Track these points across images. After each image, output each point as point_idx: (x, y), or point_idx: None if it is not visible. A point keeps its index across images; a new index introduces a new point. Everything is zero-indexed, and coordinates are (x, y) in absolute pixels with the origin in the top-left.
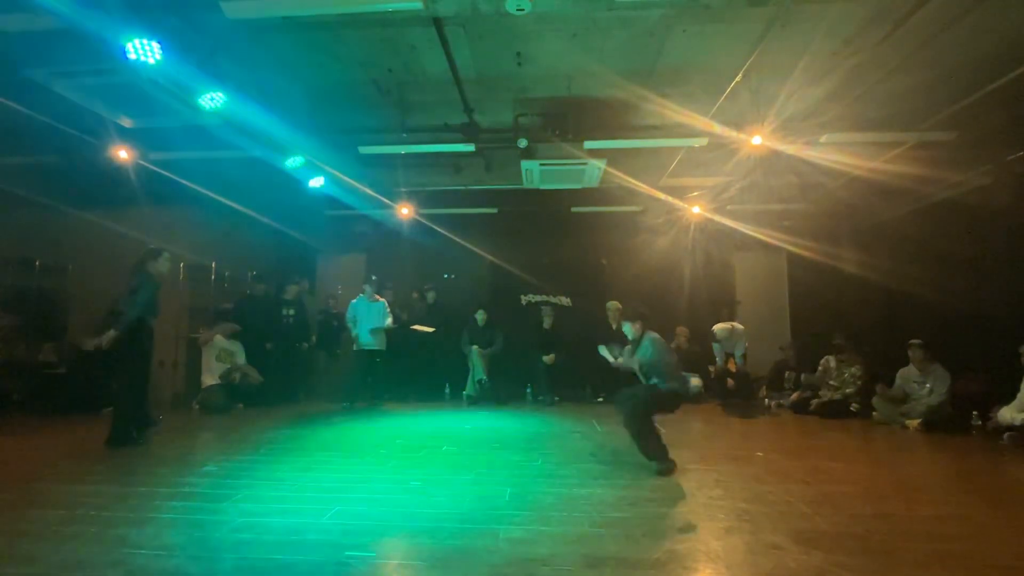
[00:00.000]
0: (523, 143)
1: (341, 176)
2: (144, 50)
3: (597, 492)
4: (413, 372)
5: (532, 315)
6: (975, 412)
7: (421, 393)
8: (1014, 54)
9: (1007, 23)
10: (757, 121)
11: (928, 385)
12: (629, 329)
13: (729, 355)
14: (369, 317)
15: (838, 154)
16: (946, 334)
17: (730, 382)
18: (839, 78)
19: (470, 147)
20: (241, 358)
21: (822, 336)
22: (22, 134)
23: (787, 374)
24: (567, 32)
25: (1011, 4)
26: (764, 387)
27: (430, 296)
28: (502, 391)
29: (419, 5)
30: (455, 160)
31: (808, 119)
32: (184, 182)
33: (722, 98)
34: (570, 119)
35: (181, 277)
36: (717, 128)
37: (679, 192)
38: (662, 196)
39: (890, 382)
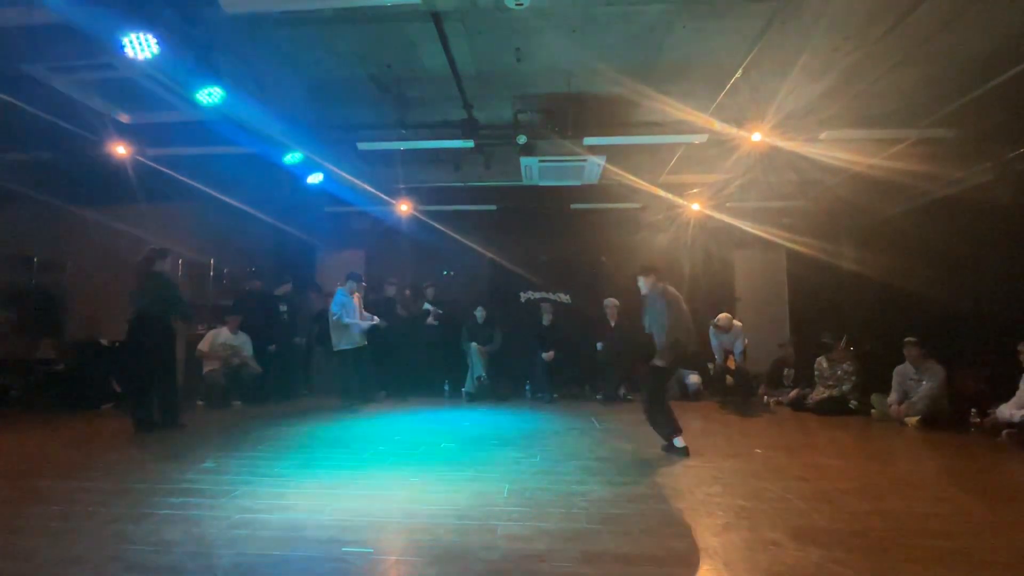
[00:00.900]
0: (522, 139)
1: (340, 172)
2: (141, 44)
3: (595, 489)
4: (412, 369)
5: (531, 312)
6: (973, 409)
7: (420, 390)
8: (1015, 51)
9: (1008, 19)
10: (757, 118)
11: (924, 382)
12: (642, 283)
13: (728, 352)
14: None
15: (838, 151)
16: (945, 331)
17: (729, 379)
18: (839, 74)
19: (469, 143)
20: (248, 350)
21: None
22: (19, 130)
23: (786, 371)
24: (567, 27)
25: (1012, 0)
26: (763, 384)
27: (429, 293)
28: (501, 388)
29: (417, 0)
30: (454, 156)
31: (808, 116)
32: (182, 178)
33: (722, 94)
34: (569, 115)
35: (180, 274)
36: (717, 125)
37: (679, 189)
38: (662, 193)
39: (888, 380)
